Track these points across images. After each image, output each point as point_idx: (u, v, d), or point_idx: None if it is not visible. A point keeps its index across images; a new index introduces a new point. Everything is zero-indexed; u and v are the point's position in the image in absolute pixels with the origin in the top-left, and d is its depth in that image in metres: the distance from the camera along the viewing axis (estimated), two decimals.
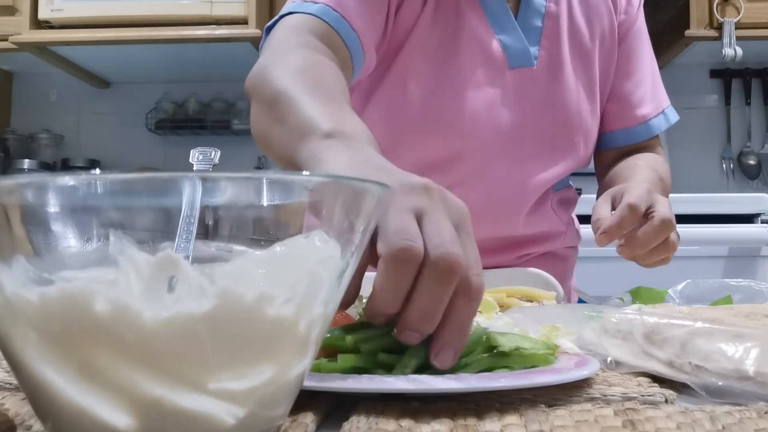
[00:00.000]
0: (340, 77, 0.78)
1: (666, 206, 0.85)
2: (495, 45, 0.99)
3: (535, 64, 1.01)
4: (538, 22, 1.01)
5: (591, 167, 1.15)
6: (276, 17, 0.90)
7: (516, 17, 1.01)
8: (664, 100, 1.11)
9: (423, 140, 0.99)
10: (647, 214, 0.84)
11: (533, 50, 1.01)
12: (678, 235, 0.86)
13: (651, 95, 1.09)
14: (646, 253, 0.85)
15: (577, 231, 1.14)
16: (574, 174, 1.14)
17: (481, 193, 0.99)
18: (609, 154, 1.11)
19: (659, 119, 1.10)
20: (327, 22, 0.85)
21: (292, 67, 0.75)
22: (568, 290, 1.00)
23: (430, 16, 0.96)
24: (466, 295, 0.43)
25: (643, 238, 0.83)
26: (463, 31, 0.98)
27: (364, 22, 0.89)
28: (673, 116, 1.11)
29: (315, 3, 0.87)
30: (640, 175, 1.00)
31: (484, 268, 1.03)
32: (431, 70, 0.97)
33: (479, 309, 0.61)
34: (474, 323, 0.46)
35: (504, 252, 1.03)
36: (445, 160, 0.99)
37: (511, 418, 0.38)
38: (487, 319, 0.57)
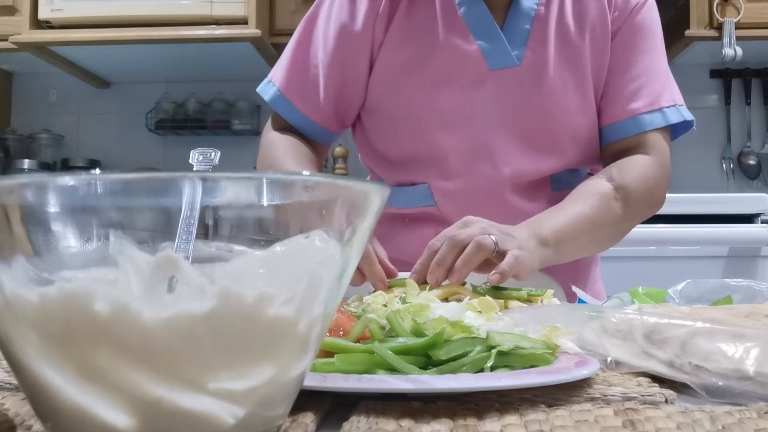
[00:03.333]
0: (303, 153, 1.04)
1: (470, 230, 0.84)
2: (473, 49, 1.01)
3: (520, 64, 1.02)
4: (527, 25, 1.03)
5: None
6: (265, 82, 1.10)
7: (505, 21, 1.03)
8: (666, 99, 1.06)
9: (403, 140, 1.06)
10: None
11: (518, 52, 1.02)
12: (477, 244, 0.82)
13: (648, 91, 1.05)
14: (456, 273, 0.81)
15: None
16: (579, 171, 1.14)
17: (464, 188, 1.03)
18: (607, 151, 1.10)
19: (653, 116, 1.04)
20: (278, 113, 1.08)
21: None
22: (570, 290, 1.00)
23: (397, 35, 1.01)
24: None
25: (435, 259, 0.82)
26: (436, 40, 1.01)
27: (314, 100, 1.05)
28: (675, 116, 1.05)
29: (273, 85, 1.08)
30: (569, 202, 0.99)
31: None
32: (401, 81, 1.02)
33: (479, 309, 0.62)
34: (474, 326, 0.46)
35: None
36: (427, 157, 1.04)
37: (511, 418, 0.38)
38: (487, 320, 0.57)
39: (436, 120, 1.02)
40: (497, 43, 1.01)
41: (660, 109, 1.05)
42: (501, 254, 0.83)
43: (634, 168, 1.03)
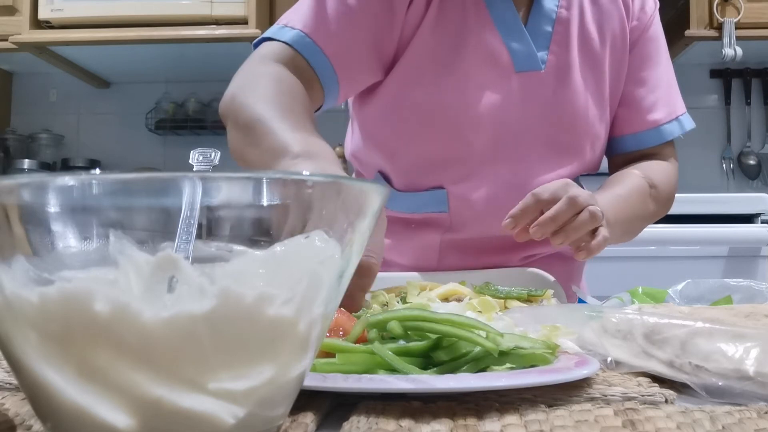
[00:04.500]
0: (303, 101, 0.87)
1: (581, 192, 0.85)
2: (501, 49, 0.99)
3: (543, 68, 1.00)
4: (549, 27, 1.01)
5: (599, 170, 1.15)
6: (261, 37, 0.96)
7: (527, 22, 1.01)
8: (680, 107, 1.11)
9: (426, 140, 1.00)
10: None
11: (542, 54, 1.01)
12: (592, 214, 0.84)
13: (665, 101, 1.09)
14: (563, 234, 0.84)
15: None
16: (583, 177, 1.15)
17: (484, 193, 1.00)
18: (620, 159, 1.11)
19: (672, 125, 1.09)
20: (297, 51, 0.92)
21: (260, 96, 0.83)
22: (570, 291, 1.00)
23: (433, 22, 0.97)
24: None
25: (550, 213, 0.84)
26: (467, 35, 0.98)
27: (342, 46, 0.93)
28: (689, 124, 1.11)
29: (292, 29, 0.93)
30: (619, 186, 1.01)
31: (488, 267, 1.03)
32: (434, 73, 0.98)
33: (479, 309, 0.62)
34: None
35: (509, 252, 1.03)
36: (448, 158, 1.01)
37: (511, 418, 0.38)
38: (487, 320, 0.57)
39: (465, 119, 0.99)
40: (524, 44, 1.00)
41: (677, 118, 1.10)
42: (594, 229, 0.84)
43: (661, 170, 1.08)
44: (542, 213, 0.85)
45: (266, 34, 0.96)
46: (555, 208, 0.83)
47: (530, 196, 0.85)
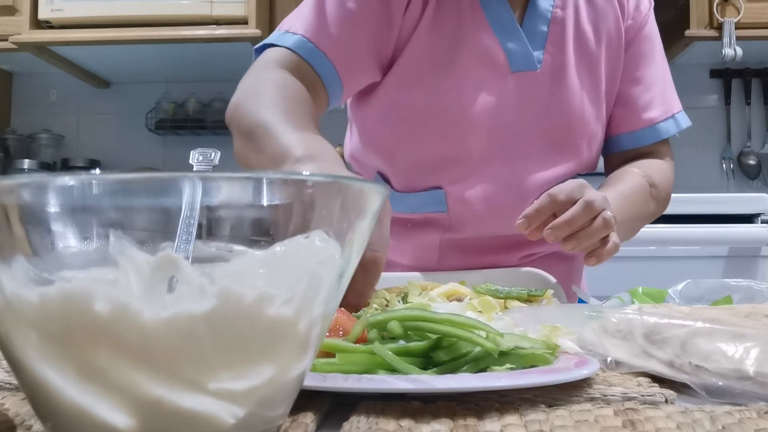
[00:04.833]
0: (308, 106, 0.88)
1: (597, 195, 0.84)
2: (497, 50, 0.99)
3: (539, 68, 1.01)
4: (544, 27, 1.01)
5: (596, 169, 1.15)
6: (263, 43, 0.98)
7: (522, 22, 1.01)
8: (676, 105, 1.11)
9: (424, 139, 1.00)
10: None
11: (537, 54, 1.01)
12: (606, 221, 0.83)
13: (660, 100, 1.09)
14: (575, 240, 0.83)
15: None
16: (580, 176, 1.15)
17: (482, 192, 1.00)
18: (617, 158, 1.11)
19: (668, 123, 1.09)
20: (300, 56, 0.93)
21: (264, 102, 0.84)
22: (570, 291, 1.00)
23: (429, 24, 0.98)
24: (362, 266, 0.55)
25: (565, 216, 0.82)
26: (464, 36, 0.99)
27: (344, 48, 0.94)
28: (684, 122, 1.11)
29: (294, 34, 0.94)
30: (621, 184, 1.01)
31: (488, 267, 1.03)
32: (431, 75, 0.98)
33: (479, 309, 0.62)
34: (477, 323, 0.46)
35: (508, 251, 1.03)
36: (446, 159, 1.01)
37: (511, 418, 0.38)
38: (487, 320, 0.57)
39: (462, 120, 0.99)
40: (520, 44, 1.00)
41: (673, 116, 1.10)
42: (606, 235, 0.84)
43: (659, 169, 1.08)
44: (556, 214, 0.85)
45: (268, 40, 0.97)
46: (571, 212, 0.82)
47: (546, 196, 0.84)
